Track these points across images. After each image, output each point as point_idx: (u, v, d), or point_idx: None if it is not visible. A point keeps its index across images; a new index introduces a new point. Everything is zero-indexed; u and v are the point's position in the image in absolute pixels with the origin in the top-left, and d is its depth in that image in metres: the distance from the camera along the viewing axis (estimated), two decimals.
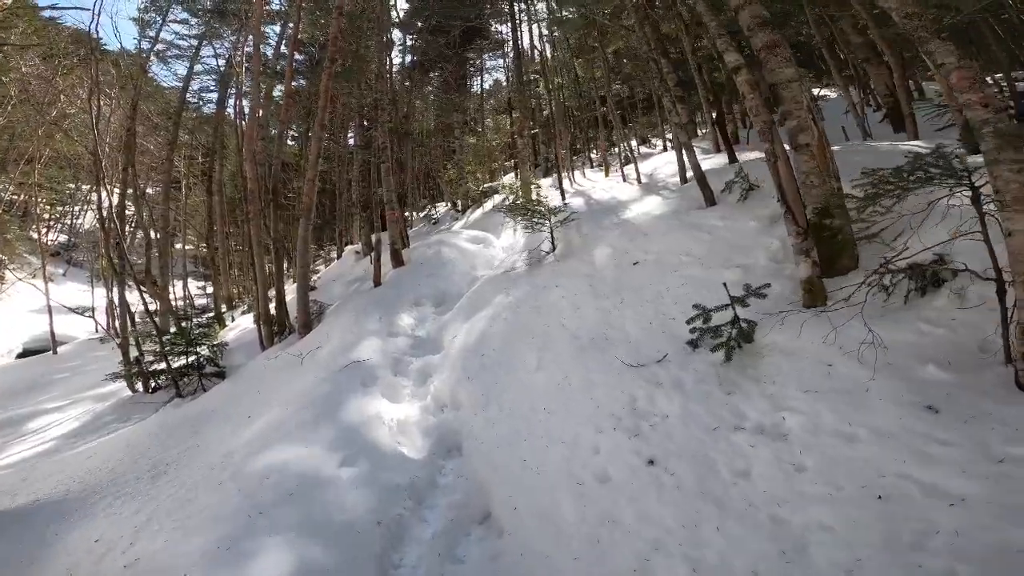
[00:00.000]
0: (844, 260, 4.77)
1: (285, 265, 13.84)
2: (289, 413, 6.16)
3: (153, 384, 10.75)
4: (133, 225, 21.37)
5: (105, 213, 11.02)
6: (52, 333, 17.54)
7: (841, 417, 3.43)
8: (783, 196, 4.67)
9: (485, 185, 20.13)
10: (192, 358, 10.37)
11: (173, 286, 25.02)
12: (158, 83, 22.37)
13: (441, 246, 11.86)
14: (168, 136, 18.17)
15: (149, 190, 22.46)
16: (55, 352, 17.53)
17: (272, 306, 10.87)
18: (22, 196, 26.37)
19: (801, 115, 4.94)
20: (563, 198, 12.06)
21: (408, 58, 24.47)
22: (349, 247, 19.33)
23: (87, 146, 14.23)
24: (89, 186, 26.30)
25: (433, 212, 20.78)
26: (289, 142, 26.25)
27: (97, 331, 18.40)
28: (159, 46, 18.12)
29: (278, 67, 15.86)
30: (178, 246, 27.36)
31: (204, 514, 4.69)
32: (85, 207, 31.95)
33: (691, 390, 4.26)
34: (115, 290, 12.52)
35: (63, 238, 32.44)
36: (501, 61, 27.32)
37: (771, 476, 3.34)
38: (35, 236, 27.10)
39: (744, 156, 9.82)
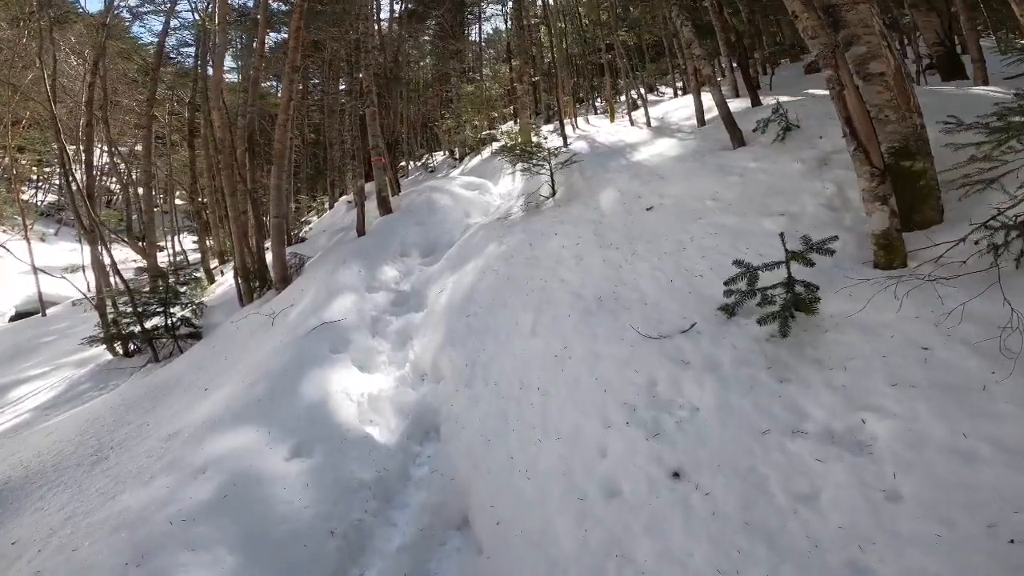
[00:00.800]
0: (927, 211, 3.61)
1: (266, 218, 12.68)
2: (243, 388, 5.16)
3: (132, 347, 9.79)
4: (116, 183, 20.19)
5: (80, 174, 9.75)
6: (40, 295, 16.58)
7: (952, 425, 2.36)
8: (852, 131, 3.45)
9: (483, 133, 18.65)
10: (167, 319, 9.39)
11: (169, 241, 24.13)
12: (134, 38, 20.65)
13: (433, 192, 10.63)
14: (147, 92, 16.65)
15: (139, 147, 21.13)
16: (44, 315, 16.61)
17: (250, 260, 9.77)
18: (5, 158, 25.07)
19: (872, 40, 3.74)
20: (565, 143, 10.69)
21: (401, 6, 22.59)
22: (343, 197, 18.08)
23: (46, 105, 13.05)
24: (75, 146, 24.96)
25: (430, 161, 19.42)
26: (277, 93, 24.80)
27: (89, 291, 17.57)
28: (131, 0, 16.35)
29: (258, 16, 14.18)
30: (179, 202, 26.24)
31: (122, 517, 3.73)
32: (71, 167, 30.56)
33: (730, 374, 3.16)
34: (86, 248, 11.42)
35: (52, 198, 31.18)
36: (500, 7, 25.28)
37: (849, 505, 2.31)
38: (23, 198, 26.18)
39: (768, 101, 8.51)
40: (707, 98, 8.02)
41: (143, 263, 17.18)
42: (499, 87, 22.24)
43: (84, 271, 18.72)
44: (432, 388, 5.12)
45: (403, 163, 19.69)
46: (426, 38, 24.48)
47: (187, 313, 9.97)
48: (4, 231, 24.18)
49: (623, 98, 16.01)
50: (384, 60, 14.38)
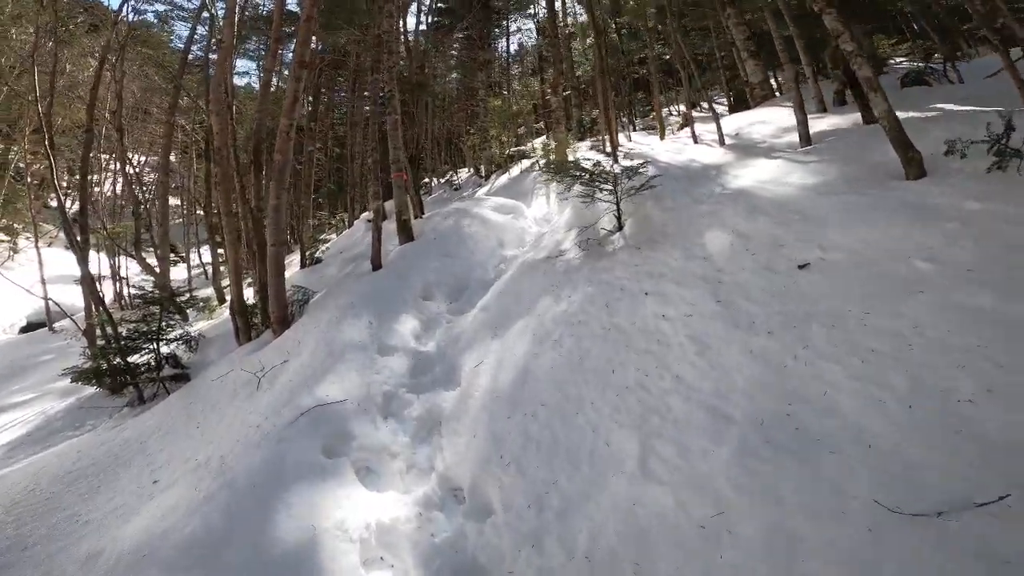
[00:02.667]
0: None
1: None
2: (194, 503, 3.21)
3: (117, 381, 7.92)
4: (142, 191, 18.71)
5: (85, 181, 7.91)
6: (47, 308, 14.83)
7: None
8: None
9: (512, 149, 16.69)
10: (156, 354, 7.52)
11: (196, 254, 22.59)
12: (160, 38, 19.17)
13: (460, 216, 8.62)
14: (169, 100, 15.01)
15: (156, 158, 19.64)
16: (51, 329, 14.86)
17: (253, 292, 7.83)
18: (37, 165, 23.71)
19: None
20: (615, 162, 8.63)
21: (430, 19, 20.88)
22: (363, 215, 16.18)
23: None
24: (108, 155, 23.53)
25: (455, 178, 17.49)
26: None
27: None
28: (160, 6, 14.75)
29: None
30: (200, 213, 24.70)
31: None
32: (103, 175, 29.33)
33: None
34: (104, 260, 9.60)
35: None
36: (528, 23, 23.49)
37: None
38: (53, 204, 24.83)
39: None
40: (772, 112, 5.97)
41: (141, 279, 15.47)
42: (526, 102, 20.36)
43: (100, 282, 17.22)
44: (475, 528, 3.12)
45: (426, 179, 17.76)
46: (453, 52, 22.75)
47: (176, 349, 8.06)
48: (28, 238, 22.74)
49: (680, 108, 13.92)
50: (410, 65, 12.46)
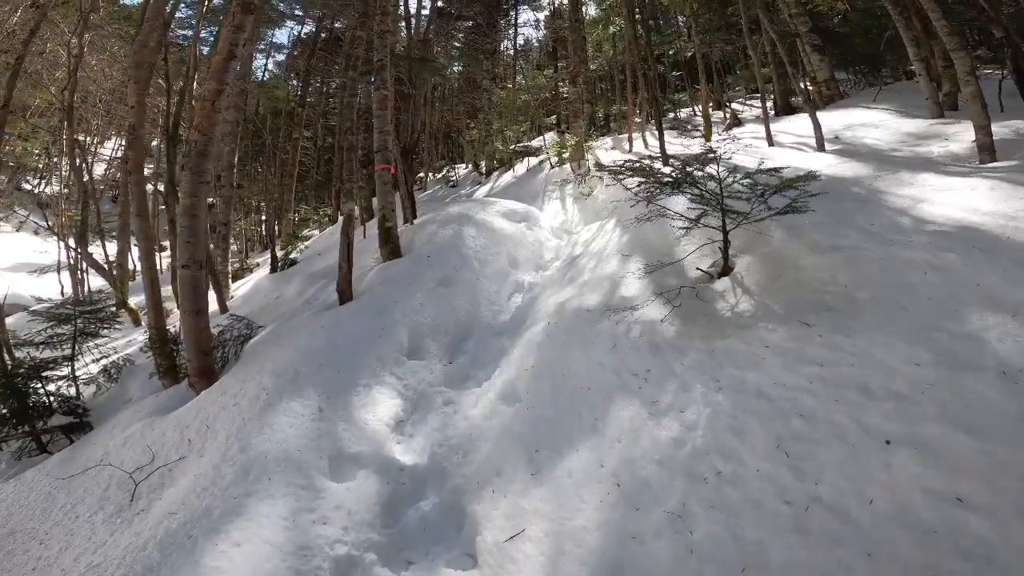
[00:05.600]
0: None
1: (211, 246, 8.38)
2: None
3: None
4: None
5: None
6: None
7: None
8: None
9: (517, 145, 14.38)
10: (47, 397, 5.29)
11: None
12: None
13: (462, 224, 6.34)
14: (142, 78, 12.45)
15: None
16: None
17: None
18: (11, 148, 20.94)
19: None
20: (666, 162, 6.41)
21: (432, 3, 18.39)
22: (345, 208, 13.74)
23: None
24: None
25: (452, 174, 15.17)
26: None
27: (64, 294, 13.66)
28: None
29: None
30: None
31: None
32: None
33: None
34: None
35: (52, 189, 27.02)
36: (536, 15, 21.05)
37: None
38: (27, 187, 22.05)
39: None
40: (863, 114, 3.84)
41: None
42: (532, 97, 18.00)
43: (59, 272, 14.71)
44: None
45: (421, 174, 15.39)
46: (456, 44, 20.27)
47: (78, 388, 5.75)
48: None
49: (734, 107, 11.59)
50: (410, 41, 10.05)
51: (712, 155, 3.23)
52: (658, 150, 9.43)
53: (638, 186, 3.56)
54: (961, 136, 4.95)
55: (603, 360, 2.93)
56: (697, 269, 3.34)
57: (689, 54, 16.14)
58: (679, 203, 3.73)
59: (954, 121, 5.61)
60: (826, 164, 4.70)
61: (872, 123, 5.98)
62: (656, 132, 12.03)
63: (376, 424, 3.21)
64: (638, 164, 3.80)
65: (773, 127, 7.28)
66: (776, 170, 3.23)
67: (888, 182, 3.77)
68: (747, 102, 13.67)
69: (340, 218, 13.30)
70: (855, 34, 10.28)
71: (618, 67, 15.79)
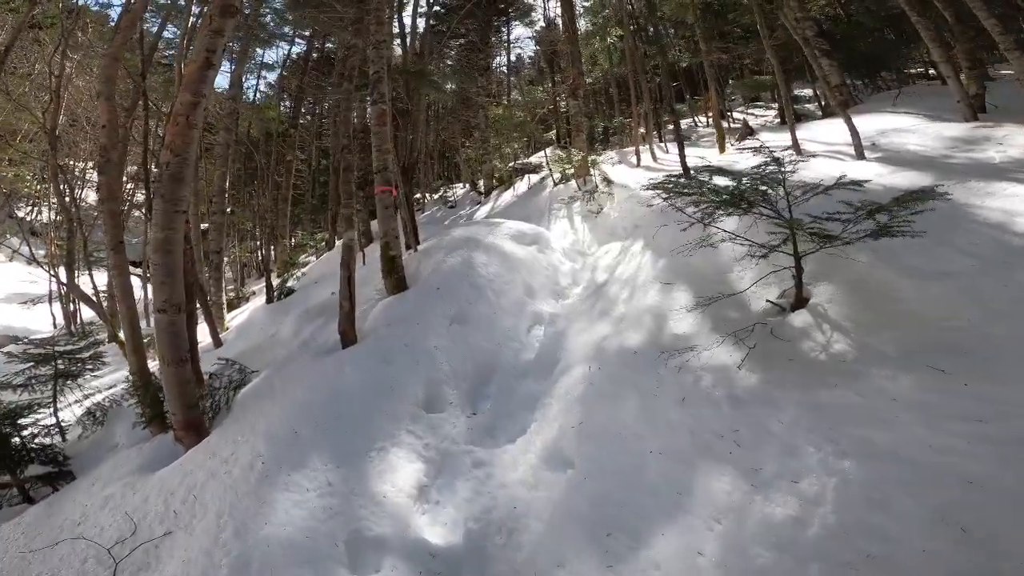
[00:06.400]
0: None
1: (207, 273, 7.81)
2: None
3: None
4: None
5: None
6: None
7: None
8: None
9: (517, 162, 13.95)
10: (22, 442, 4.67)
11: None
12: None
13: (471, 249, 5.81)
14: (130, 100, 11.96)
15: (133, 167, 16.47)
16: None
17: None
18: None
19: None
20: (688, 174, 5.92)
21: (425, 21, 18.15)
22: (345, 236, 13.18)
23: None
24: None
25: (449, 194, 14.72)
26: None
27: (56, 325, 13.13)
28: None
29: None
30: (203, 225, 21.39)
31: None
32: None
33: None
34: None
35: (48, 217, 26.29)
36: (528, 31, 20.92)
37: None
38: (19, 215, 21.43)
39: None
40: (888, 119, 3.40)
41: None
42: (527, 113, 17.69)
43: (51, 303, 14.23)
44: None
45: (418, 195, 14.93)
46: (448, 63, 20.01)
47: (63, 432, 5.17)
48: None
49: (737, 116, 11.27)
50: (406, 56, 9.64)
51: (778, 167, 2.74)
52: (668, 163, 9.03)
53: (692, 206, 3.06)
54: (1014, 140, 4.53)
55: (671, 417, 2.39)
56: (766, 301, 2.83)
57: (684, 64, 15.96)
58: (730, 224, 3.25)
59: (995, 124, 5.20)
60: (875, 173, 4.23)
61: (905, 128, 5.56)
62: (661, 144, 11.73)
63: (397, 496, 2.64)
64: (681, 180, 3.32)
65: (778, 136, 6.85)
66: (858, 183, 2.74)
67: (964, 193, 3.30)
68: (748, 111, 13.37)
69: (338, 243, 12.75)
70: (857, 37, 10.01)
71: (615, 79, 15.53)
